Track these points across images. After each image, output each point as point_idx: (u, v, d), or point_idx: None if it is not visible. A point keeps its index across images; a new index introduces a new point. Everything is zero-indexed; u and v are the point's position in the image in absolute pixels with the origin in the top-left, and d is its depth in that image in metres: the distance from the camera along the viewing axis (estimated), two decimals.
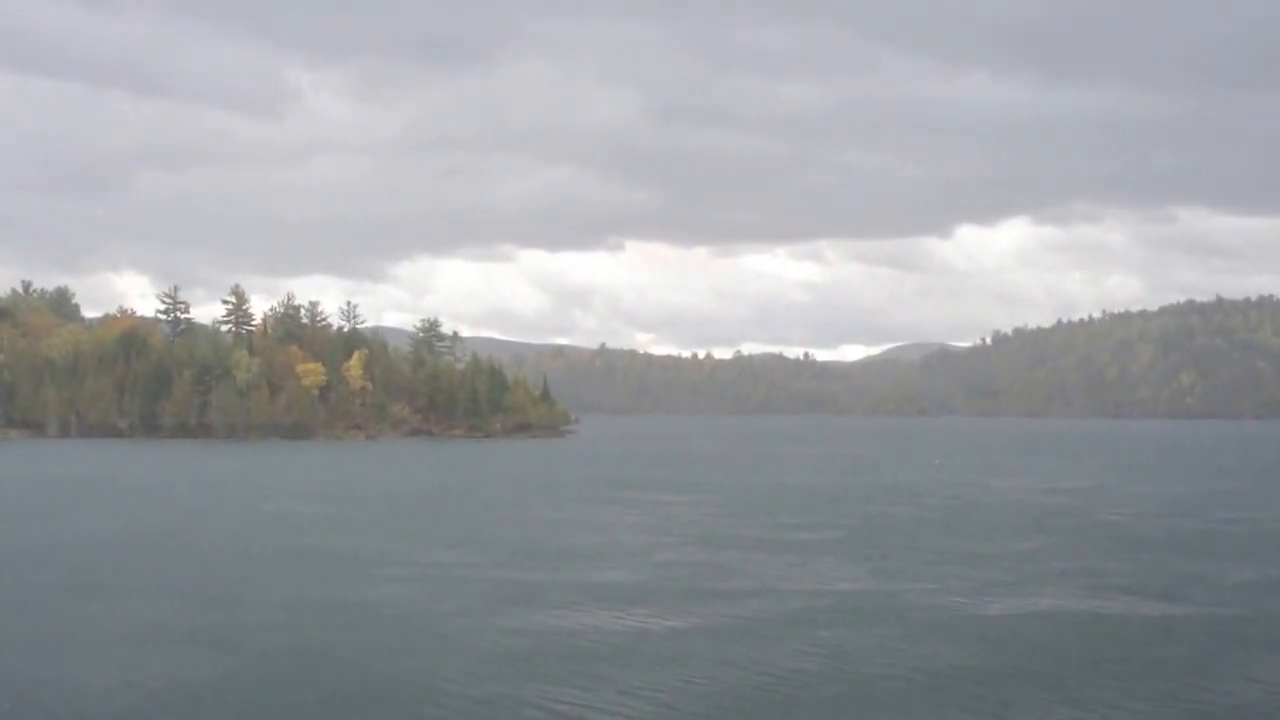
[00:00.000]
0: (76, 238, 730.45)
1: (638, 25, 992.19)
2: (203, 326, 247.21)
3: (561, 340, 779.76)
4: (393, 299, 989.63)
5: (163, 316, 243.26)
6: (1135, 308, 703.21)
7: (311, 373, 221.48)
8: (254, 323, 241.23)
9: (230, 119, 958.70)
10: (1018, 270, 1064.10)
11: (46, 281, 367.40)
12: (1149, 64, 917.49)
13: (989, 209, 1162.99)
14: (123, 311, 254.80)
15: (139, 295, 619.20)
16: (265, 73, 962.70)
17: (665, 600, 43.00)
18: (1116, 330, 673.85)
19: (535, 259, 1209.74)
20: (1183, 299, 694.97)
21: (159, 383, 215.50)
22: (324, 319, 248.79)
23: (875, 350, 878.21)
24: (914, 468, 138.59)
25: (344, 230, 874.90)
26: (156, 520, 72.48)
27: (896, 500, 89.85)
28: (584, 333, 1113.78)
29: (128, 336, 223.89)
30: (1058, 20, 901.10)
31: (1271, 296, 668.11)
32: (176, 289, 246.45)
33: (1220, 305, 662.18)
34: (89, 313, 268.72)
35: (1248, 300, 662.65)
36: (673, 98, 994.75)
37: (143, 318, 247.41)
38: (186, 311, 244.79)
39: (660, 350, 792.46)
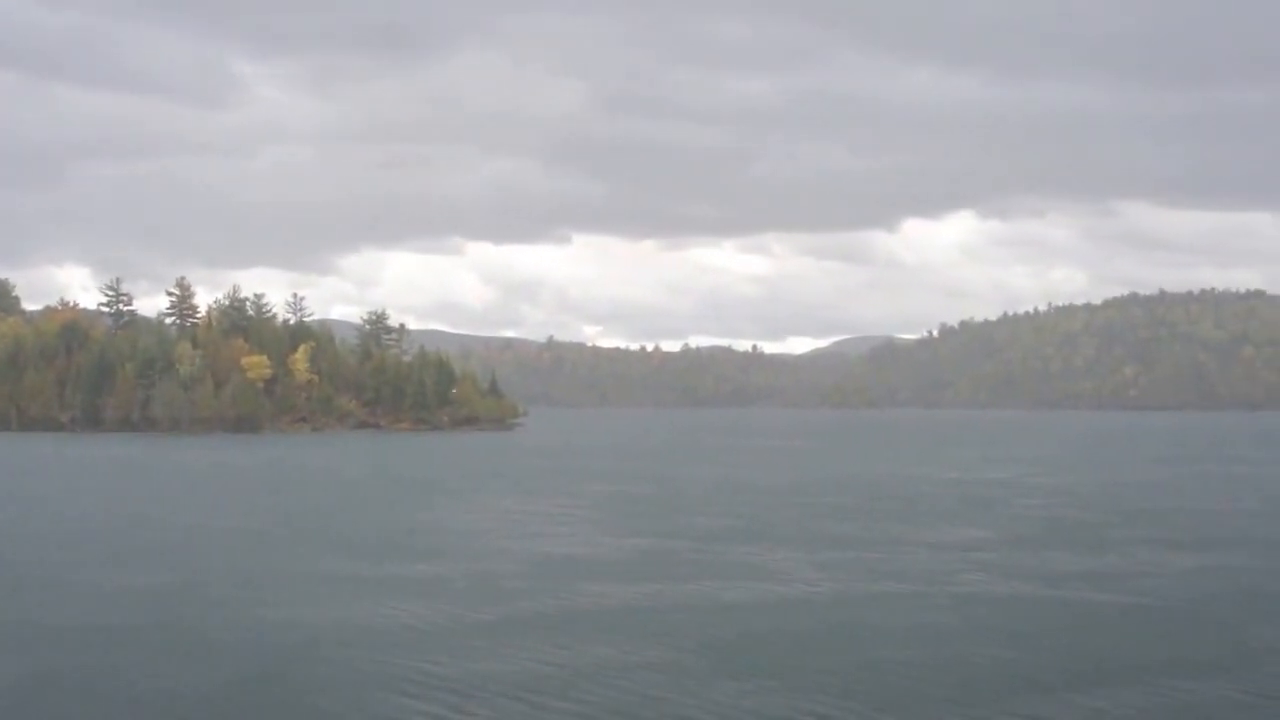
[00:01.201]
0: (16, 230, 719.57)
1: (586, 18, 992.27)
2: (146, 319, 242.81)
3: (509, 333, 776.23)
4: (339, 291, 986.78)
5: (105, 309, 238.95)
6: (1079, 301, 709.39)
7: (256, 365, 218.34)
8: (199, 315, 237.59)
9: (175, 110, 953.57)
10: (963, 264, 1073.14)
11: None
12: (1093, 62, 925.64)
13: (935, 203, 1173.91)
14: (64, 304, 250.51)
15: (81, 288, 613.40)
16: (210, 64, 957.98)
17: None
18: (1061, 323, 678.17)
19: (482, 251, 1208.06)
20: (1125, 292, 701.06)
21: (101, 376, 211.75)
22: (270, 311, 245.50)
23: (823, 343, 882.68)
24: (844, 460, 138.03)
25: (290, 222, 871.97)
26: None
27: (809, 492, 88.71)
28: (532, 325, 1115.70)
29: (69, 329, 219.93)
30: (1005, 17, 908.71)
31: (1213, 289, 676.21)
32: (119, 281, 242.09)
33: (1162, 298, 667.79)
34: (29, 305, 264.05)
35: (1189, 294, 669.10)
36: (621, 90, 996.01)
37: (85, 310, 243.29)
38: (130, 304, 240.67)
39: (608, 343, 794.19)
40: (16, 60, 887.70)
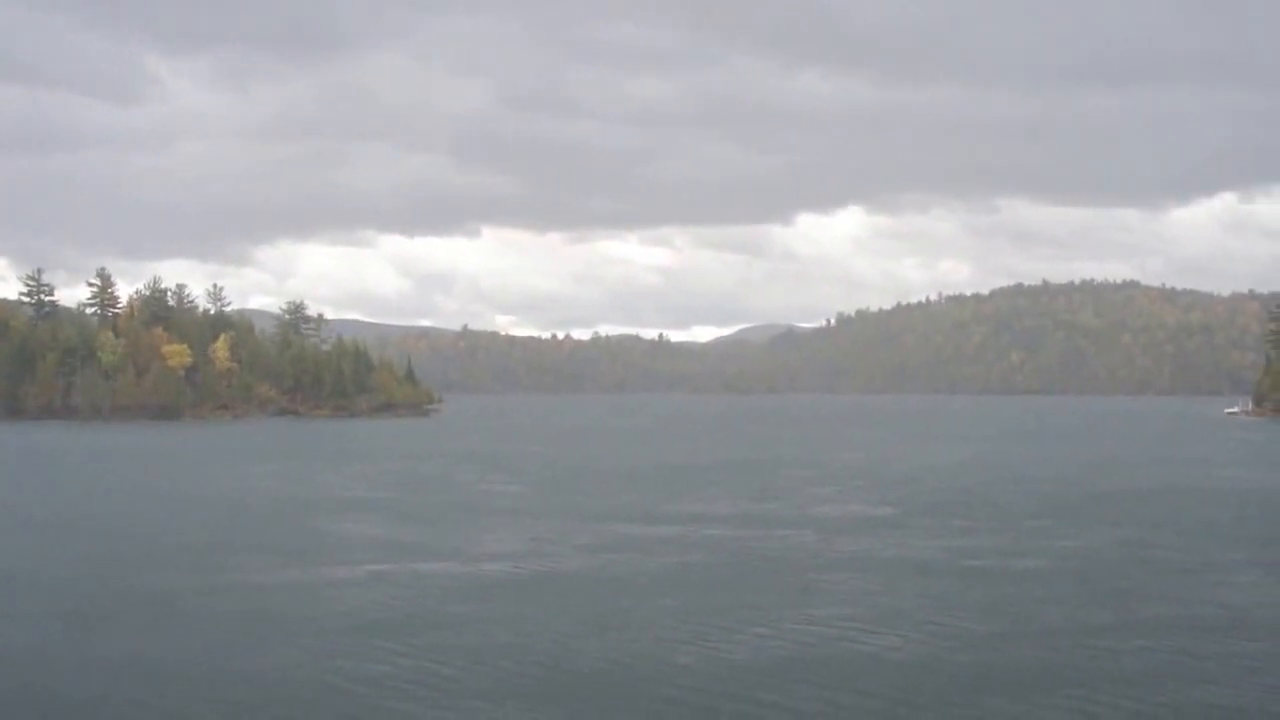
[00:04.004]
0: None
1: (491, 18, 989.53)
2: (67, 309, 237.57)
3: (425, 322, 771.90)
4: (257, 282, 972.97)
5: (26, 299, 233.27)
6: (968, 291, 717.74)
7: (177, 354, 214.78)
8: (120, 305, 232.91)
9: (89, 105, 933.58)
10: (856, 256, 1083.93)
11: None
12: (973, 66, 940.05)
13: (826, 198, 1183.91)
14: None
15: None
16: (124, 60, 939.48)
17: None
18: (951, 312, 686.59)
19: (395, 243, 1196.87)
20: (1010, 283, 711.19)
21: (22, 365, 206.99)
22: (190, 302, 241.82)
23: (726, 331, 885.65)
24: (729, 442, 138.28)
25: (206, 214, 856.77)
26: None
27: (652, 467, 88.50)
28: (446, 315, 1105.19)
29: None
30: (888, 23, 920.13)
31: (1092, 280, 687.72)
32: (40, 271, 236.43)
33: (1046, 289, 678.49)
34: None
35: (1071, 284, 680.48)
36: (525, 89, 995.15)
37: (4, 300, 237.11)
38: (51, 294, 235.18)
39: (521, 332, 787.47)
40: None
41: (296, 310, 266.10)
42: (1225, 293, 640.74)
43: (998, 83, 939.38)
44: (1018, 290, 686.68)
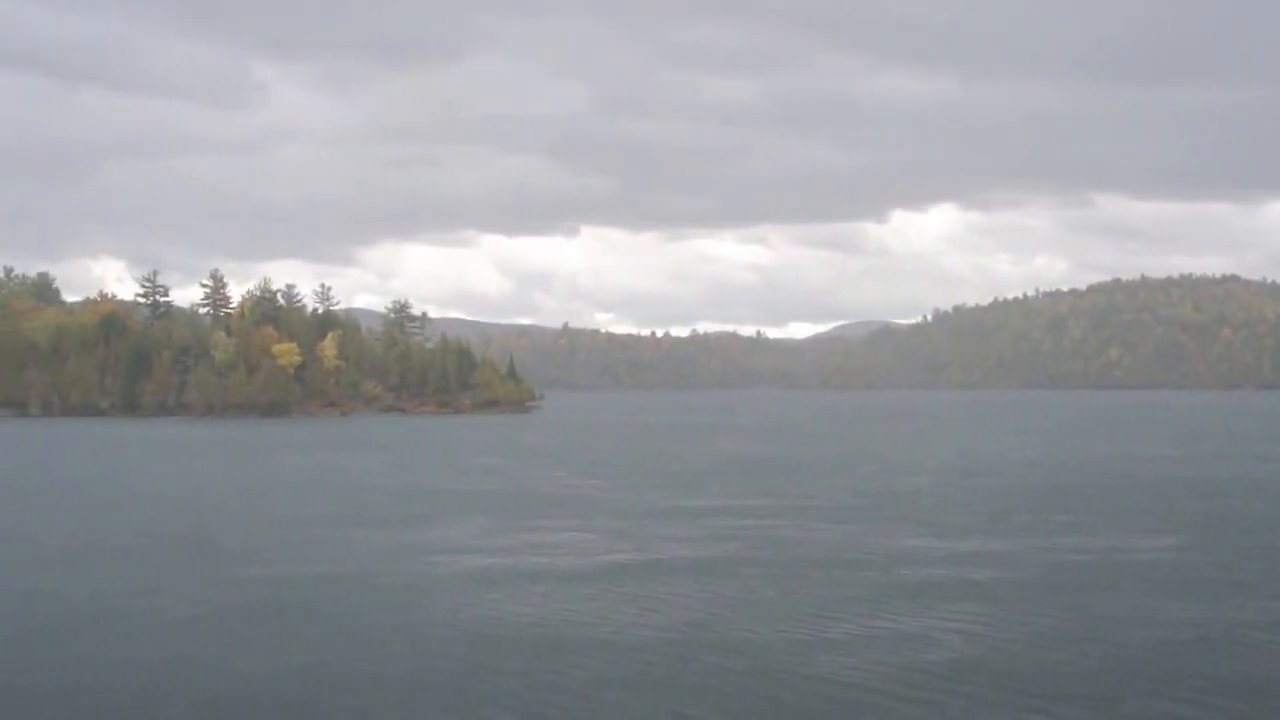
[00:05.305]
0: (53, 226, 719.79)
1: (583, 23, 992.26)
2: (181, 309, 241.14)
3: (526, 320, 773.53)
4: (362, 282, 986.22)
5: (142, 300, 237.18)
6: (1064, 286, 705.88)
7: (286, 353, 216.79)
8: (232, 305, 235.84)
9: (200, 112, 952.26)
10: (950, 252, 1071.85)
11: (27, 268, 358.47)
12: (1061, 61, 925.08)
13: (919, 195, 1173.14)
14: (103, 295, 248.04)
15: (115, 279, 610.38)
16: (232, 68, 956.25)
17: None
18: (1048, 308, 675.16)
19: (495, 243, 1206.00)
20: (1107, 278, 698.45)
21: (139, 363, 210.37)
22: (299, 301, 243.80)
23: (823, 328, 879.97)
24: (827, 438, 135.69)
25: (311, 216, 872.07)
26: None
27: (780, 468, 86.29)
28: (547, 313, 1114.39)
29: (108, 319, 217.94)
30: (972, 20, 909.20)
31: (1190, 274, 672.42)
32: (155, 274, 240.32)
33: (1144, 283, 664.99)
34: (69, 297, 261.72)
35: (1169, 278, 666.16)
36: (618, 90, 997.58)
37: (122, 301, 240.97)
38: (165, 295, 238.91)
39: (620, 329, 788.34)
40: (49, 67, 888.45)
41: (401, 309, 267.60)
42: None
43: (1087, 77, 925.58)
44: (1115, 285, 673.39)
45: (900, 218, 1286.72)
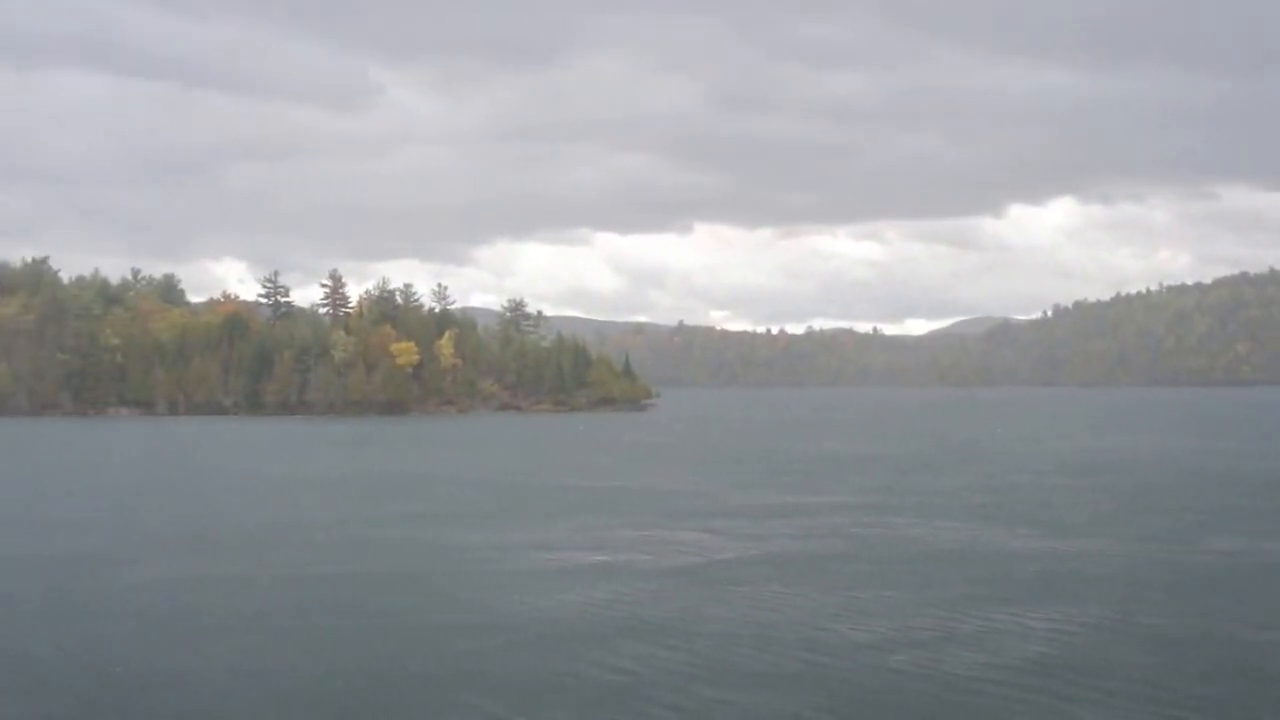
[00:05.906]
0: (177, 228, 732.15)
1: (694, 19, 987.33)
2: (301, 309, 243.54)
3: (640, 318, 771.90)
4: (477, 280, 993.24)
5: (264, 300, 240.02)
6: (1188, 281, 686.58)
7: (405, 351, 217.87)
8: (350, 305, 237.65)
9: (317, 114, 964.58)
10: (1069, 246, 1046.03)
11: (153, 269, 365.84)
12: (1180, 51, 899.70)
13: (1037, 189, 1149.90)
14: (226, 296, 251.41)
15: (237, 280, 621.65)
16: (348, 70, 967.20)
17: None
18: (1172, 302, 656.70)
19: (609, 241, 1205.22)
20: (1234, 271, 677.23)
21: (261, 363, 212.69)
22: (416, 301, 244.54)
23: (940, 324, 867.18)
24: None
25: (427, 216, 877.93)
26: None
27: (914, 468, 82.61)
28: (661, 311, 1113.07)
29: (232, 320, 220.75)
30: (1088, 12, 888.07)
31: None
32: (276, 274, 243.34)
33: (1273, 277, 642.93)
34: (192, 298, 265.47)
35: None
36: (731, 87, 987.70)
37: (245, 301, 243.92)
38: (286, 295, 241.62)
39: (735, 327, 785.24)
40: (170, 72, 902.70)
41: (517, 307, 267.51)
42: None
43: (1206, 67, 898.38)
44: (1242, 279, 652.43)
45: (1018, 212, 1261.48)
